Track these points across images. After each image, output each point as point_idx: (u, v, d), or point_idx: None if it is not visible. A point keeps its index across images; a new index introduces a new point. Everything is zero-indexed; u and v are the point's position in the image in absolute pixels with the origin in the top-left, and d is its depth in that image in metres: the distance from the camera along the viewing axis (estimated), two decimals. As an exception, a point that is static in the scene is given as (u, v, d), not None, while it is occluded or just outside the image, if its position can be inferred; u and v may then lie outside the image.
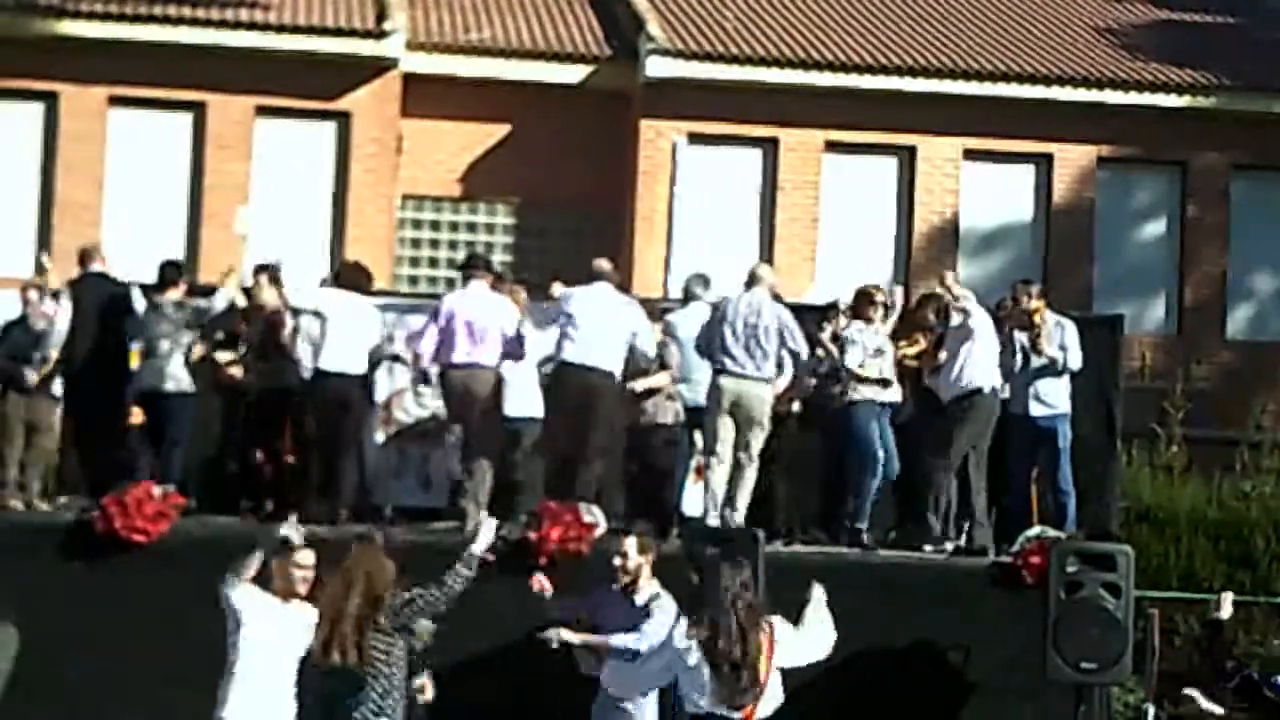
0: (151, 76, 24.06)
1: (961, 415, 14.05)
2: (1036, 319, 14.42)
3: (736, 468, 13.83)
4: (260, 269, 14.81)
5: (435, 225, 25.58)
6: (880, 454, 14.15)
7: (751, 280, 14.19)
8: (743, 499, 13.83)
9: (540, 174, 25.09)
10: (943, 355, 14.24)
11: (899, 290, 15.96)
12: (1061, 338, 14.50)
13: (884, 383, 14.26)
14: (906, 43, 26.08)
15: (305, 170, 24.63)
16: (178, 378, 14.16)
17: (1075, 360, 14.49)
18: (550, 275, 15.05)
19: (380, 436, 15.08)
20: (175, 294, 14.41)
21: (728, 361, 13.77)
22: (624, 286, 15.87)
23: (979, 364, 14.06)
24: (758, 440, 13.86)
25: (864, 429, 14.16)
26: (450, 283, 23.33)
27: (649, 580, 11.43)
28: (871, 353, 14.22)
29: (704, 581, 10.23)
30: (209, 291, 14.65)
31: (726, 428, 13.78)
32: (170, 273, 14.60)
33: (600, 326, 13.91)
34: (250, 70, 24.13)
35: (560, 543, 13.12)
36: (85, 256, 14.92)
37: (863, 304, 14.54)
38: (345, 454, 14.01)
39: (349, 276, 14.78)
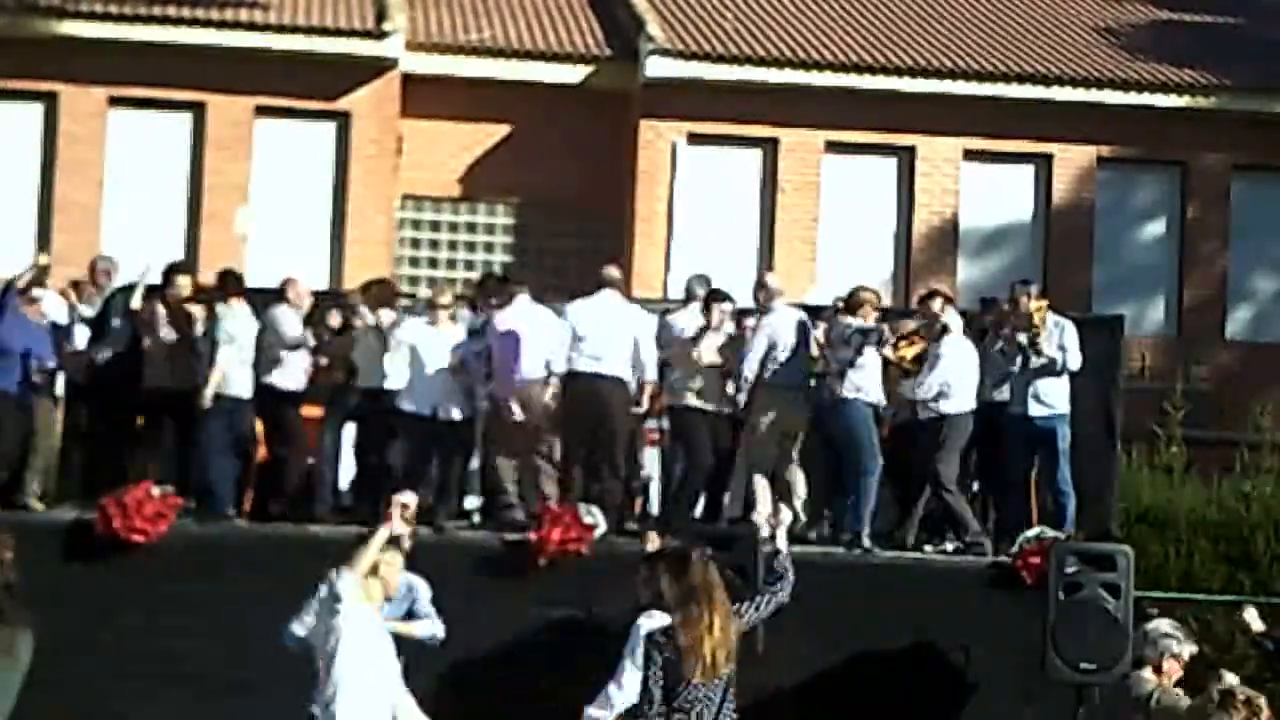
0: (151, 77, 24.07)
1: (942, 435, 14.23)
2: (1036, 319, 14.42)
3: (788, 475, 14.16)
4: (175, 269, 14.87)
5: (435, 226, 25.58)
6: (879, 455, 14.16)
7: (774, 294, 14.54)
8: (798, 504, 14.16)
9: (540, 174, 25.10)
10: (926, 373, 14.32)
11: None
12: (1060, 338, 14.50)
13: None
14: (906, 43, 26.09)
15: (305, 171, 24.64)
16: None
17: (1074, 361, 14.49)
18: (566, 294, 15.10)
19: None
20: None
21: (774, 375, 14.15)
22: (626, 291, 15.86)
23: (957, 386, 14.20)
24: (796, 447, 14.28)
25: (859, 429, 14.17)
26: (451, 283, 23.38)
27: None
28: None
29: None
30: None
31: (773, 441, 14.15)
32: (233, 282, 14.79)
33: (609, 335, 13.98)
34: (250, 70, 24.13)
35: (560, 544, 13.13)
36: (104, 273, 14.99)
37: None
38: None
39: (382, 294, 14.86)
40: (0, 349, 13.99)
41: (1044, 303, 14.63)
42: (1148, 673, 9.96)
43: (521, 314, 14.20)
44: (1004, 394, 14.63)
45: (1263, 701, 5.22)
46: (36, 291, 14.48)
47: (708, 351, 14.28)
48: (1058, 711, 12.91)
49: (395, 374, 14.36)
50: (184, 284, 14.60)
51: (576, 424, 14.06)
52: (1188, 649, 10.16)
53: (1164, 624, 10.32)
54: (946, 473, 14.09)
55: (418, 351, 14.21)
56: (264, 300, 14.75)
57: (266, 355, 14.39)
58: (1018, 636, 13.05)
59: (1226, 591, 17.71)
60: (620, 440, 14.16)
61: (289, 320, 14.43)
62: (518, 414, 13.90)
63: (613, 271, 14.62)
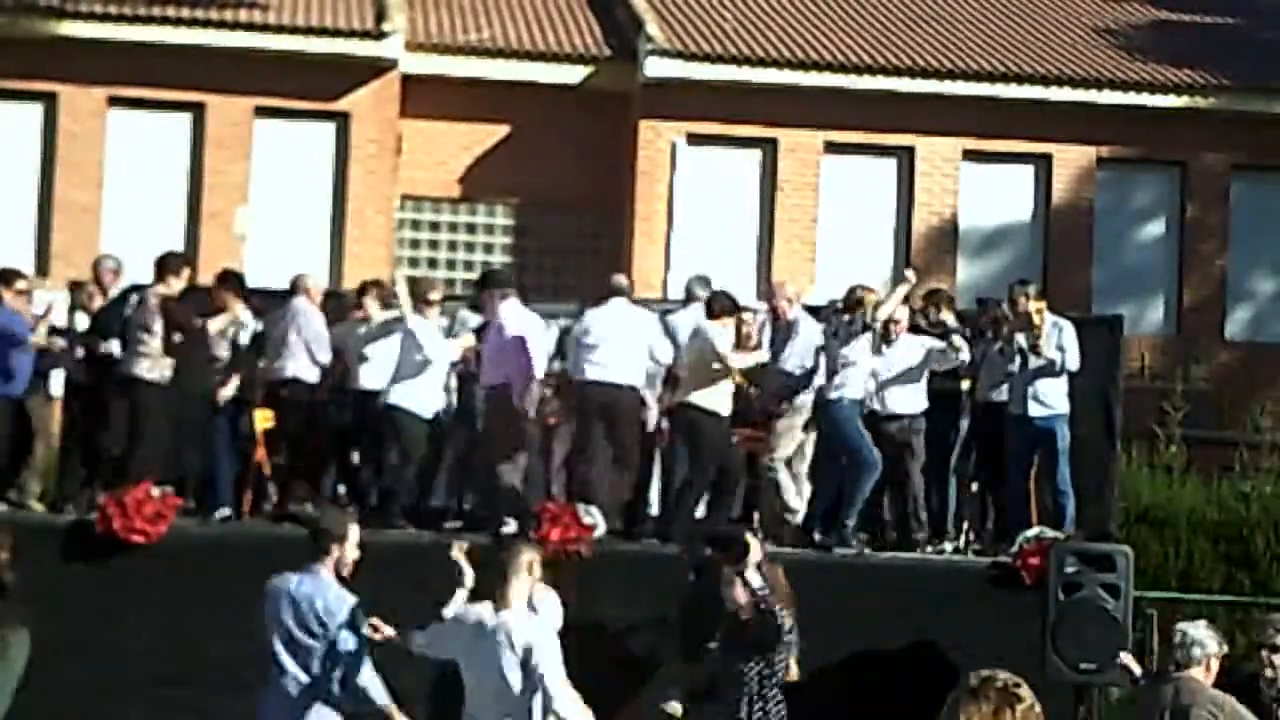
0: (151, 77, 24.07)
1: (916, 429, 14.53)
2: (1035, 320, 14.41)
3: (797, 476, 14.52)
4: (176, 258, 14.81)
5: (434, 226, 25.59)
6: (875, 454, 14.13)
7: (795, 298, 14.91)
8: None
9: (539, 175, 25.10)
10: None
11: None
12: (1059, 338, 14.49)
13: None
14: (905, 43, 26.09)
15: (304, 171, 24.64)
16: None
17: (1074, 361, 14.48)
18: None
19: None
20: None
21: (798, 379, 14.50)
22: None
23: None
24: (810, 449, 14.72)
25: (849, 427, 14.16)
26: (450, 284, 23.38)
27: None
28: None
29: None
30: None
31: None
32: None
33: (619, 343, 14.07)
34: (249, 71, 24.14)
35: (560, 543, 13.13)
36: (111, 272, 15.08)
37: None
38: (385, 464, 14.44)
39: (378, 295, 14.87)
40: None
41: (1042, 303, 14.63)
42: (1200, 673, 9.93)
43: (519, 315, 14.26)
44: (1003, 394, 14.64)
45: (1024, 691, 5.06)
46: (21, 284, 14.48)
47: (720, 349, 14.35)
48: (1057, 712, 12.90)
49: (386, 372, 14.38)
50: (184, 275, 14.58)
51: (588, 431, 14.11)
52: (1223, 650, 10.22)
53: (1201, 625, 10.35)
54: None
55: (409, 348, 14.19)
56: (262, 301, 14.77)
57: (277, 348, 14.42)
58: (1017, 636, 13.04)
59: (1226, 591, 17.73)
60: (631, 445, 14.21)
61: (320, 335, 14.47)
62: (531, 410, 14.09)
63: (621, 280, 14.83)
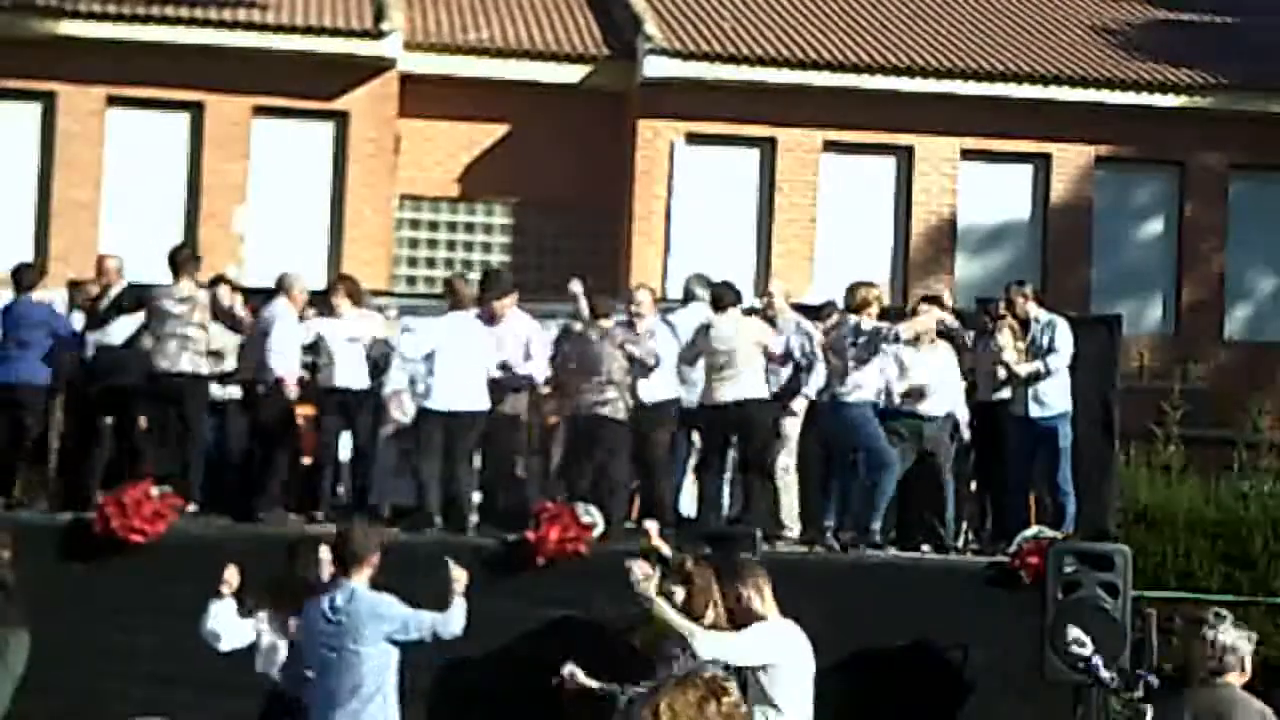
0: (149, 76, 24.07)
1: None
2: (1007, 353, 14.41)
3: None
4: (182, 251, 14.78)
5: (433, 225, 25.58)
6: (894, 452, 14.13)
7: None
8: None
9: (538, 174, 25.09)
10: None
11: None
12: (1052, 336, 14.45)
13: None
14: (904, 43, 26.09)
15: (303, 170, 24.63)
16: None
17: (1060, 360, 14.39)
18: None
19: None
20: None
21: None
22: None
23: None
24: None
25: (869, 427, 14.13)
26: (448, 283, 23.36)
27: None
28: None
29: None
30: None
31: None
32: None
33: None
34: (248, 70, 24.13)
35: (558, 543, 13.14)
36: (116, 271, 15.07)
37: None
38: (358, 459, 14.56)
39: (351, 291, 14.89)
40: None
41: (1012, 335, 14.55)
42: (1236, 679, 9.80)
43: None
44: (1004, 394, 14.63)
45: (732, 686, 5.00)
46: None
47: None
48: (1056, 711, 12.91)
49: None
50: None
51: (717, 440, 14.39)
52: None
53: (1229, 625, 10.30)
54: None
55: (440, 348, 14.15)
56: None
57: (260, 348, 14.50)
58: (1016, 636, 13.06)
59: (1225, 591, 17.73)
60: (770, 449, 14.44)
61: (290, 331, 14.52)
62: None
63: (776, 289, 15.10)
